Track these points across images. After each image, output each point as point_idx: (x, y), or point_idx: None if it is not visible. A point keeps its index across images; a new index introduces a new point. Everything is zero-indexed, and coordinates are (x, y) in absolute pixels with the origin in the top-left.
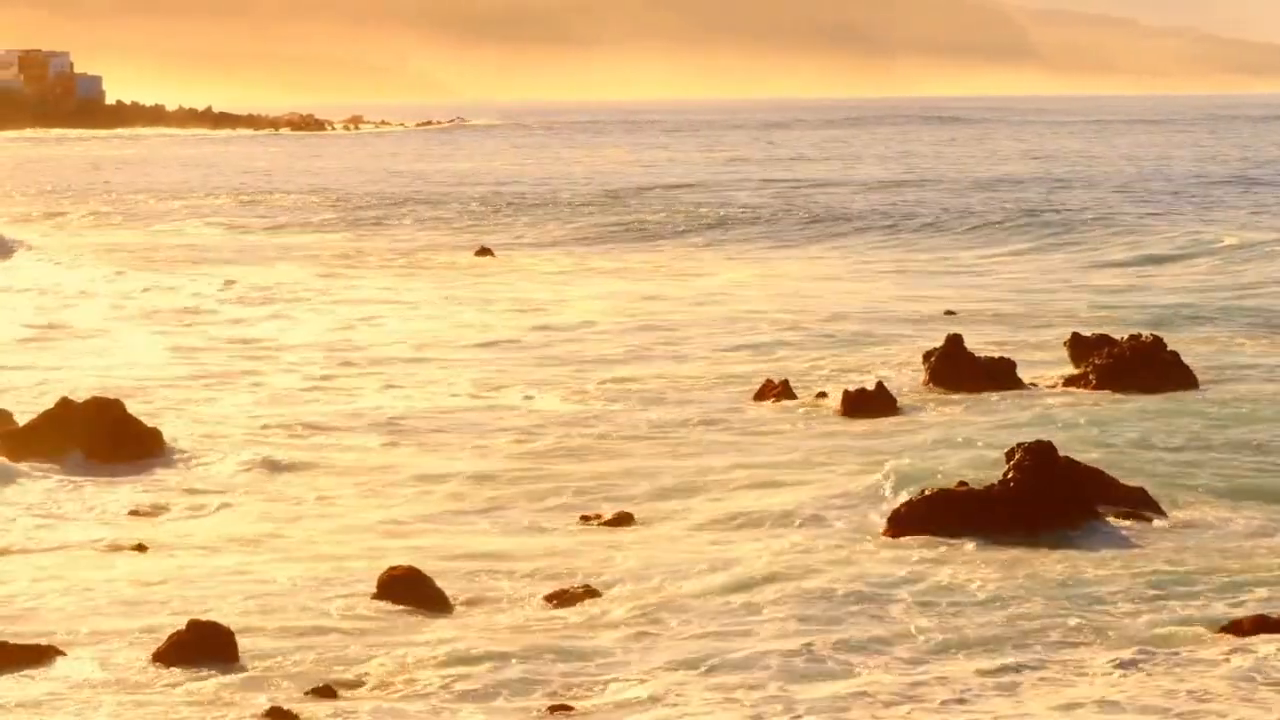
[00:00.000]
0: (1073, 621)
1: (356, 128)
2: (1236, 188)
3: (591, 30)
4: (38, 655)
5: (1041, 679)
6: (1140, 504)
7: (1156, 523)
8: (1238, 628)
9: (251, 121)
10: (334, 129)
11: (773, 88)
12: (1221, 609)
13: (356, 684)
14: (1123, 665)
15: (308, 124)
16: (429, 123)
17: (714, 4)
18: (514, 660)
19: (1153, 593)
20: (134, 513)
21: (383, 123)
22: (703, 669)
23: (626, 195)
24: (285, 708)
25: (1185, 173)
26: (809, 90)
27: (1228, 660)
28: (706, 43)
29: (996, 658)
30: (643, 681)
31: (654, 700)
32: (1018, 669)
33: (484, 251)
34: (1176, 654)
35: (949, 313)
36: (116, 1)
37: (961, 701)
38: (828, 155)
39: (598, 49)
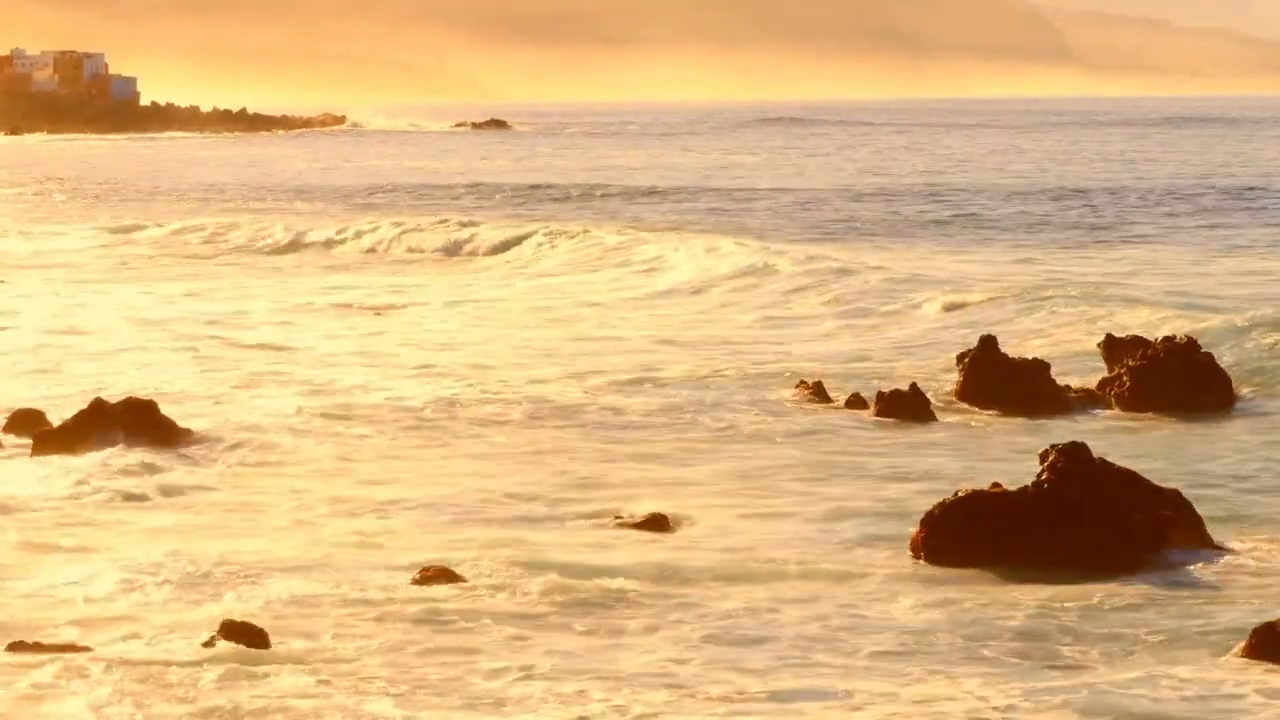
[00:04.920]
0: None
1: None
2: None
3: (634, 30)
4: (74, 653)
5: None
6: (1175, 506)
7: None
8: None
9: (285, 122)
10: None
11: (817, 89)
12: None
13: (395, 676)
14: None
15: (339, 124)
16: (463, 123)
17: (758, 5)
18: None
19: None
20: (166, 512)
21: (412, 124)
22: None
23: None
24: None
25: None
26: (853, 91)
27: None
28: (751, 43)
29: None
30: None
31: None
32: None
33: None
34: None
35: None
36: (155, 1)
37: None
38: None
39: (641, 49)
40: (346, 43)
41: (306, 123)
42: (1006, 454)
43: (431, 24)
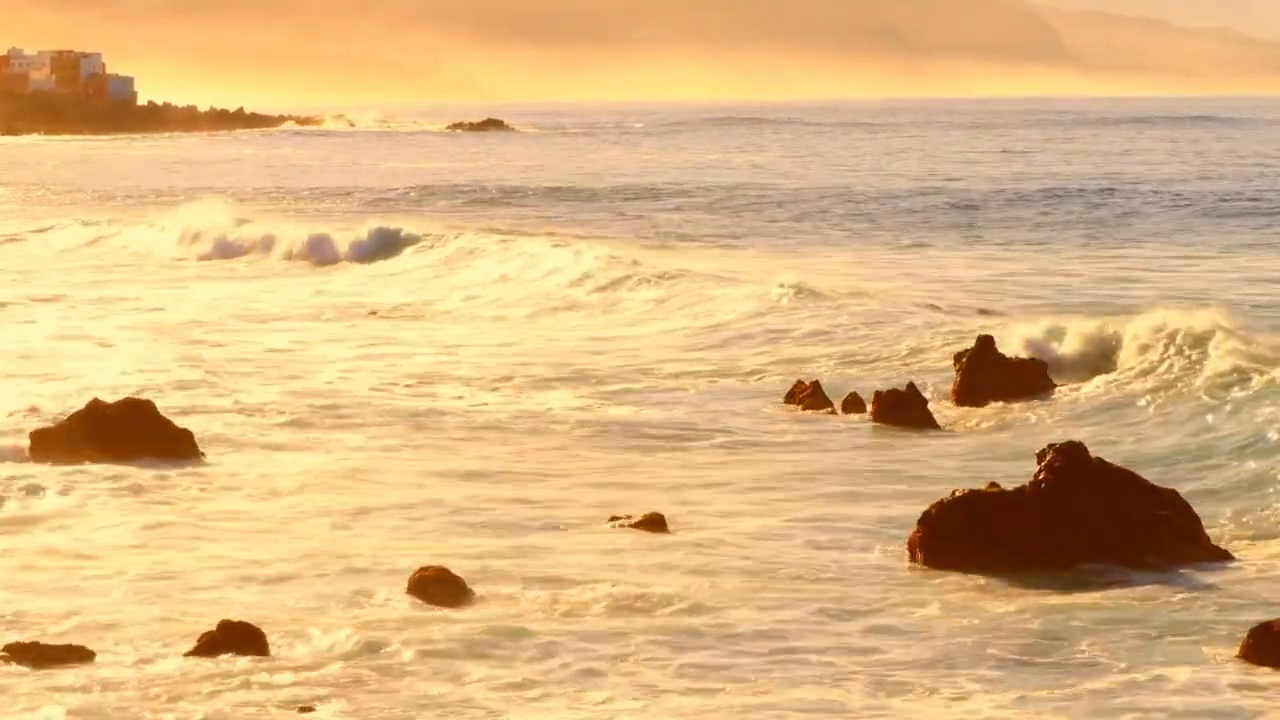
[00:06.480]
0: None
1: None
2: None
3: (634, 30)
4: (66, 656)
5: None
6: (1172, 506)
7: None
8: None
9: (283, 122)
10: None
11: (816, 89)
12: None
13: (389, 680)
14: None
15: (340, 120)
16: (460, 124)
17: (758, 5)
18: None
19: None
20: (164, 512)
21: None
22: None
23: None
24: (314, 706)
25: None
26: (852, 91)
27: None
28: (750, 43)
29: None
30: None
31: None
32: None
33: None
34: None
35: (983, 311)
36: (154, 1)
37: None
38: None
39: (640, 49)
40: (346, 43)
41: (304, 122)
42: (1004, 453)
43: (431, 24)
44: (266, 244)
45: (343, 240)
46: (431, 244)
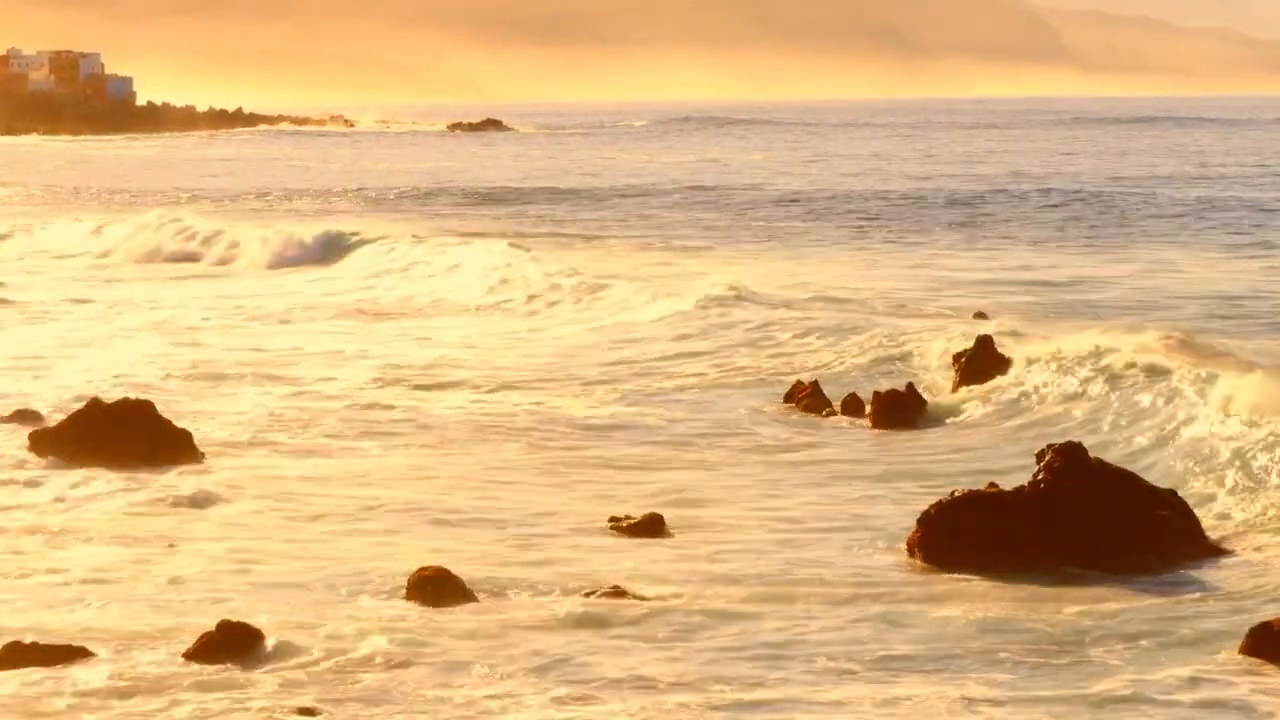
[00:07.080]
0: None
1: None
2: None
3: (634, 30)
4: (65, 656)
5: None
6: (1171, 506)
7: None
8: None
9: (280, 121)
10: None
11: (816, 89)
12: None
13: (388, 682)
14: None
15: (336, 122)
16: (459, 123)
17: (758, 5)
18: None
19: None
20: (164, 512)
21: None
22: None
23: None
24: (313, 707)
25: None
26: (852, 91)
27: None
28: (750, 43)
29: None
30: None
31: None
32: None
33: None
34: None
35: (979, 315)
36: (154, 1)
37: None
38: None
39: (640, 49)
40: (346, 43)
41: (301, 122)
42: (1002, 453)
43: (431, 24)
44: (261, 244)
45: (337, 240)
46: (422, 243)
